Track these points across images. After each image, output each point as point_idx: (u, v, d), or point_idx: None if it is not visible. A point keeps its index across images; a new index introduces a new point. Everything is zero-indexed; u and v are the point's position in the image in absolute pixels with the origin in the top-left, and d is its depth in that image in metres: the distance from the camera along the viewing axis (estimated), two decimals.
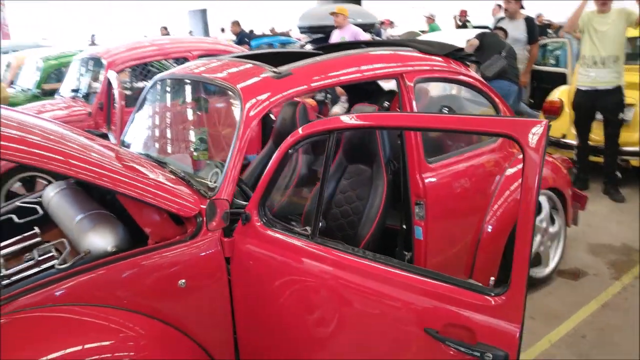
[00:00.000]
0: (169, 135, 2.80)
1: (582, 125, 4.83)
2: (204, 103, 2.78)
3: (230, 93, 2.19)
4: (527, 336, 2.66)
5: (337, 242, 1.71)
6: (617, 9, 4.46)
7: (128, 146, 2.74)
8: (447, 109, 3.17)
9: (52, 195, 2.30)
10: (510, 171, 3.02)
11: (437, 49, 2.90)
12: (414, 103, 2.52)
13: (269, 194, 1.87)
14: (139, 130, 2.77)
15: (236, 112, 2.08)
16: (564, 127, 5.40)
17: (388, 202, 2.51)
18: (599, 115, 4.71)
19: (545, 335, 2.66)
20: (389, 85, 3.54)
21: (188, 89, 2.83)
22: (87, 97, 4.88)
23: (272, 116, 3.56)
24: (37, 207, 2.38)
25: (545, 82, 7.04)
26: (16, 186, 4.06)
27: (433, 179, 2.51)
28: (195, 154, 2.39)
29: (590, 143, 4.87)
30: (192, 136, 2.41)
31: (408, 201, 2.52)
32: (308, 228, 1.75)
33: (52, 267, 1.79)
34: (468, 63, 3.23)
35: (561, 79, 6.28)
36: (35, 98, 6.03)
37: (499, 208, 2.90)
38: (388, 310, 1.49)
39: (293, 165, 3.14)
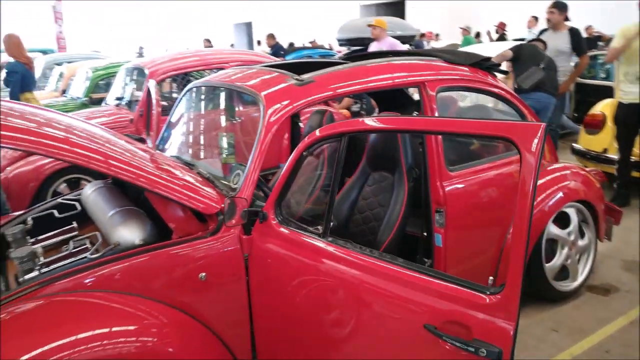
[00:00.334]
0: (198, 139, 2.94)
1: (624, 139, 4.70)
2: (232, 109, 2.91)
3: (255, 99, 2.30)
4: (549, 349, 2.63)
5: (346, 241, 1.78)
6: None
7: (162, 150, 2.90)
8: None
9: (90, 193, 2.47)
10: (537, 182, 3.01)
11: (463, 58, 2.93)
12: (436, 112, 2.56)
13: (285, 194, 1.96)
14: (172, 135, 2.92)
15: (260, 117, 2.19)
16: (606, 141, 5.26)
17: (408, 208, 2.55)
18: None
19: (567, 349, 2.62)
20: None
21: (218, 96, 2.97)
22: (129, 104, 5.15)
23: (300, 125, 3.66)
24: (76, 203, 2.55)
25: (590, 95, 6.86)
26: (61, 187, 4.31)
27: (453, 187, 2.54)
28: (222, 157, 2.51)
29: (633, 158, 4.73)
30: (220, 140, 2.53)
31: (429, 208, 2.55)
32: (320, 227, 1.82)
33: (85, 257, 1.94)
34: (501, 74, 3.25)
35: (608, 93, 6.11)
36: (84, 106, 6.39)
37: None
38: (389, 306, 1.55)
39: (318, 171, 3.23)
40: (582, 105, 6.64)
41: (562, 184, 3.06)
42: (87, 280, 1.82)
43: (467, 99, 3.77)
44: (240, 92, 2.56)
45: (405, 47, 8.66)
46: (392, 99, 3.61)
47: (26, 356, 1.54)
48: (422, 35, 14.40)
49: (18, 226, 2.34)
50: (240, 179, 2.10)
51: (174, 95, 5.28)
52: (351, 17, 14.38)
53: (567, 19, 5.87)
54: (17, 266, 2.02)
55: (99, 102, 6.23)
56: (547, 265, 2.96)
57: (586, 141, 5.49)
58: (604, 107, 5.49)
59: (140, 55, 14.69)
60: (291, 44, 14.52)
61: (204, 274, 1.94)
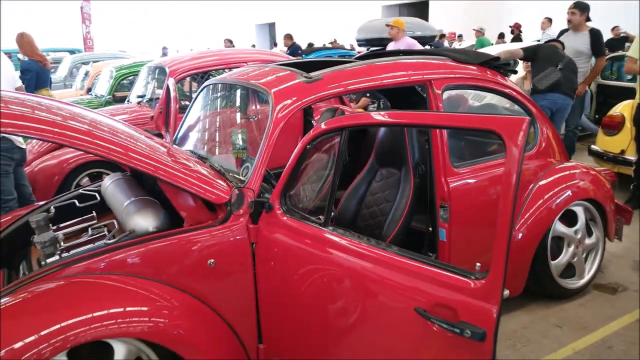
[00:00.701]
0: (212, 134, 3.06)
1: None
2: (244, 105, 3.02)
3: (265, 96, 2.40)
4: (552, 344, 2.67)
5: (345, 230, 1.86)
6: None
7: (178, 144, 3.03)
8: None
9: (108, 184, 2.61)
10: (544, 181, 3.04)
11: (471, 58, 2.98)
12: (441, 110, 2.62)
13: (291, 185, 2.06)
14: (188, 130, 3.05)
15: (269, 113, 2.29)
16: (624, 142, 5.22)
17: (413, 203, 2.61)
18: None
19: (570, 344, 2.65)
20: None
21: (231, 92, 3.08)
22: (151, 102, 5.32)
23: (313, 122, 3.76)
24: (96, 194, 2.69)
25: (613, 97, 6.78)
26: (84, 181, 4.49)
27: (458, 183, 2.60)
28: (234, 151, 2.62)
29: None
30: (232, 136, 2.64)
31: (433, 204, 2.62)
32: (321, 217, 1.91)
33: (103, 243, 2.07)
34: (511, 73, 3.28)
35: (631, 95, 6.05)
36: (107, 103, 6.62)
37: (531, 216, 2.93)
38: (383, 291, 1.63)
39: (328, 168, 3.32)
40: (604, 107, 6.56)
41: (571, 183, 3.09)
42: (103, 264, 1.94)
43: (483, 99, 3.81)
44: (252, 88, 2.67)
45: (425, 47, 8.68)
46: (404, 98, 3.68)
47: (46, 331, 1.67)
48: (443, 36, 14.33)
49: (42, 214, 2.48)
50: (248, 171, 2.20)
51: (194, 93, 5.42)
52: (374, 17, 14.41)
53: (588, 19, 5.82)
54: (39, 250, 2.16)
55: (122, 100, 6.44)
56: (553, 262, 2.99)
57: (603, 142, 5.46)
58: (623, 109, 5.44)
59: (164, 55, 14.98)
60: (310, 44, 14.62)
61: (212, 260, 2.05)
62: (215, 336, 2.03)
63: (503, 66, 3.13)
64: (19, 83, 4.32)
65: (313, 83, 2.37)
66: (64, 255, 2.08)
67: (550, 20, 10.36)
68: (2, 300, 1.79)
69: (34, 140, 4.75)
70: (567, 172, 3.16)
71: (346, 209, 2.81)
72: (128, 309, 1.84)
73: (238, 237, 2.09)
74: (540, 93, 5.19)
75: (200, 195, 2.08)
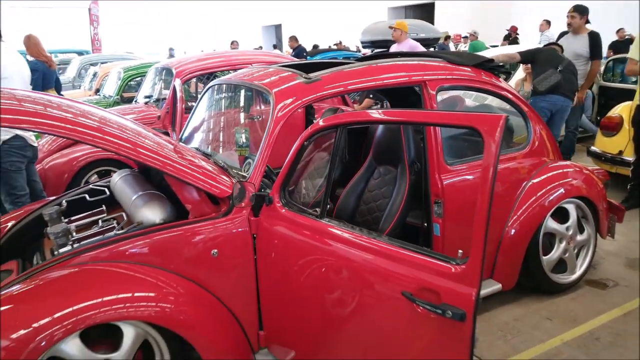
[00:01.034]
0: (216, 132, 3.19)
1: None
2: (248, 105, 3.15)
3: (267, 95, 2.52)
4: (542, 335, 2.77)
5: (339, 221, 1.98)
6: None
7: (184, 142, 3.15)
8: None
9: (117, 180, 2.74)
10: (537, 179, 3.14)
11: (465, 59, 3.09)
12: (436, 109, 2.73)
13: (289, 180, 2.19)
14: (193, 129, 3.18)
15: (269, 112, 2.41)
16: (622, 143, 5.30)
17: (409, 199, 2.73)
18: None
19: (559, 335, 2.75)
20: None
21: (235, 93, 3.21)
22: (157, 102, 5.47)
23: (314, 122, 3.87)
24: (106, 189, 2.82)
25: (614, 99, 6.84)
26: (93, 178, 4.63)
27: (451, 180, 2.71)
28: (236, 149, 2.74)
29: None
30: (236, 134, 2.76)
31: (428, 200, 2.73)
32: (318, 209, 2.03)
33: (112, 233, 2.19)
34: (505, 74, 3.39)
35: (632, 96, 6.12)
36: (115, 104, 6.77)
37: (523, 213, 3.03)
38: (373, 276, 1.75)
39: (326, 164, 3.43)
40: (606, 108, 6.61)
41: (563, 181, 3.18)
42: (113, 253, 2.07)
43: (484, 101, 3.92)
44: (255, 89, 2.79)
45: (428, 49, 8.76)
46: (403, 98, 3.79)
47: (59, 313, 1.79)
48: (448, 37, 14.38)
49: (54, 207, 2.61)
50: (250, 167, 2.32)
51: (200, 94, 5.56)
52: (380, 19, 14.50)
53: (587, 22, 5.91)
54: (53, 241, 2.29)
55: (129, 100, 6.59)
56: (544, 257, 3.09)
57: (602, 143, 5.54)
58: (622, 110, 5.52)
59: (171, 56, 15.16)
60: (315, 46, 14.74)
61: (216, 250, 2.17)
62: (218, 322, 2.15)
63: (497, 68, 3.24)
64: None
65: (312, 83, 2.49)
66: (75, 245, 2.21)
67: (548, 22, 10.45)
68: (18, 286, 1.91)
69: (45, 139, 4.90)
70: (560, 171, 3.25)
71: (345, 205, 2.92)
72: (136, 294, 1.97)
73: (240, 229, 2.21)
74: (540, 94, 5.27)
75: (205, 189, 2.20)
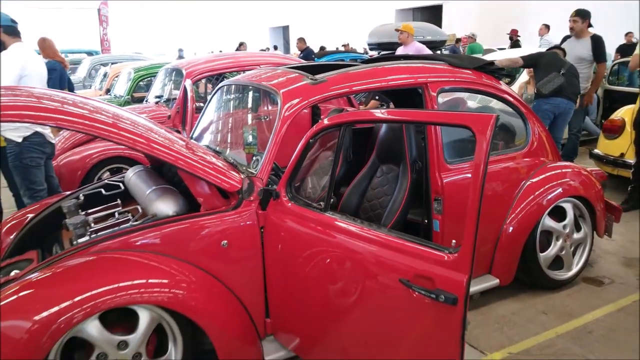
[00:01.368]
0: (226, 132, 3.32)
1: None
2: (256, 105, 3.28)
3: (275, 96, 2.65)
4: (536, 328, 2.87)
5: (342, 215, 2.11)
6: None
7: (195, 140, 3.28)
8: None
9: (132, 175, 2.87)
10: (535, 178, 3.24)
11: (466, 62, 3.20)
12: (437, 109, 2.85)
13: (295, 175, 2.31)
14: (204, 127, 3.31)
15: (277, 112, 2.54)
16: (624, 146, 5.38)
17: (410, 197, 2.84)
18: None
19: (553, 328, 2.85)
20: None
21: (244, 93, 3.34)
22: (168, 102, 5.61)
23: None
24: (120, 184, 2.96)
25: (618, 102, 6.91)
26: (105, 175, 4.77)
27: (451, 178, 2.83)
28: (245, 146, 2.86)
29: None
30: (245, 133, 2.89)
31: (428, 197, 2.85)
32: (322, 203, 2.16)
33: (127, 225, 2.33)
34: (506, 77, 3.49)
35: (635, 99, 6.19)
36: (126, 104, 6.92)
37: (521, 211, 3.14)
38: (373, 264, 1.88)
39: (330, 160, 3.55)
40: (610, 112, 6.68)
41: (561, 181, 3.29)
42: (128, 243, 2.20)
43: (489, 103, 4.01)
44: (263, 89, 2.92)
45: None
46: (407, 99, 3.90)
47: (78, 297, 1.92)
48: (458, 40, 14.42)
49: (72, 200, 2.76)
50: (258, 164, 2.45)
51: (209, 95, 5.69)
52: (387, 21, 14.59)
53: (590, 25, 5.98)
54: (71, 231, 2.42)
55: (140, 100, 6.74)
56: (541, 254, 3.19)
57: (604, 146, 5.62)
58: (624, 113, 5.60)
59: (180, 57, 15.35)
60: (322, 48, 14.86)
61: (226, 241, 2.29)
62: (228, 308, 2.28)
63: (497, 70, 3.35)
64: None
65: (318, 84, 2.61)
66: (93, 235, 2.34)
67: (547, 26, 10.53)
68: (38, 273, 2.04)
69: (58, 137, 5.05)
70: (558, 171, 3.36)
71: (349, 202, 3.04)
72: (150, 280, 2.10)
73: (249, 222, 2.34)
74: (543, 97, 5.36)
75: (216, 183, 2.33)
